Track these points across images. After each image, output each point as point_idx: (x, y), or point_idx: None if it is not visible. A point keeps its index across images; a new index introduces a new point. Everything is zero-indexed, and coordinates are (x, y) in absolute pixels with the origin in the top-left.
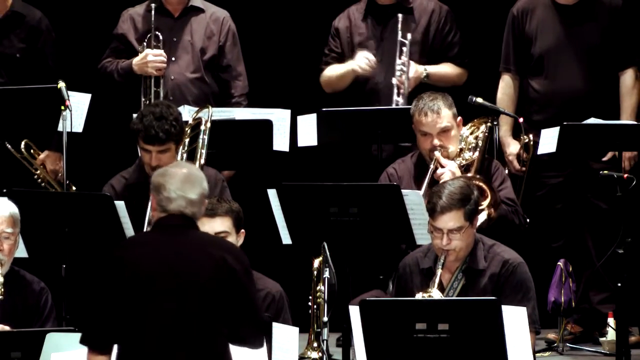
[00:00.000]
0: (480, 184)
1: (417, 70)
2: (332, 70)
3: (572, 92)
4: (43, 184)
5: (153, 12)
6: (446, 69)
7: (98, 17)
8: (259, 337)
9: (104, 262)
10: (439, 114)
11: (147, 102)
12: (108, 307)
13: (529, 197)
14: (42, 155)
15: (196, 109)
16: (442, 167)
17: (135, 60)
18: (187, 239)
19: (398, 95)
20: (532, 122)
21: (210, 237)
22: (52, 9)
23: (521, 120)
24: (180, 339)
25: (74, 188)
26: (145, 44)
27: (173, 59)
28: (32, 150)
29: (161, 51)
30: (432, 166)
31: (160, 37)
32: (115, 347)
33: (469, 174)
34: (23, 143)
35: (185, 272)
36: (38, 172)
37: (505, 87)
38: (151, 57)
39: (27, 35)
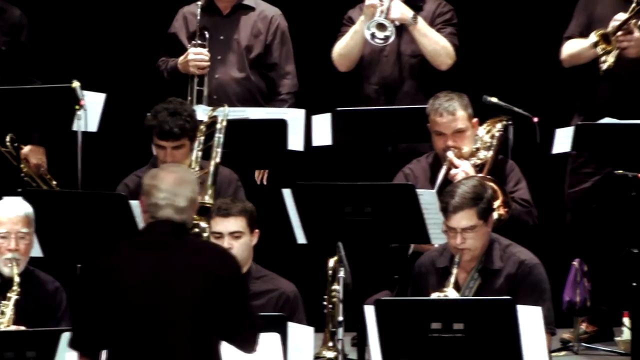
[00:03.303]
0: (491, 184)
1: (406, 9)
2: (342, 39)
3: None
4: (26, 179)
5: (199, 10)
6: (436, 33)
7: (115, 17)
8: (252, 340)
9: (90, 267)
10: (454, 115)
11: (190, 101)
12: (94, 313)
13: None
14: (25, 150)
15: (210, 107)
16: (456, 167)
17: (180, 60)
18: (174, 246)
19: (379, 15)
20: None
21: (199, 243)
22: (67, 7)
23: (536, 120)
24: (167, 347)
25: (54, 183)
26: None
27: (219, 57)
28: (16, 144)
29: (203, 50)
30: (445, 166)
31: (207, 36)
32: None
33: (481, 174)
34: (8, 137)
35: (171, 281)
36: (22, 166)
37: (572, 42)
38: (192, 56)
39: (10, 29)
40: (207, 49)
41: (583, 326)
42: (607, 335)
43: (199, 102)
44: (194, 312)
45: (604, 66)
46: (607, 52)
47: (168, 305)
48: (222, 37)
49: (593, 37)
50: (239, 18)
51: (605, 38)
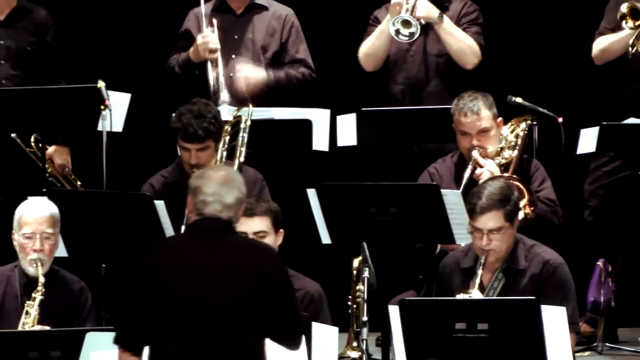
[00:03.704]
0: (517, 183)
1: (431, 7)
2: (368, 39)
3: None
4: (51, 179)
5: (202, 1)
6: (462, 32)
7: (140, 17)
8: (297, 339)
9: (138, 263)
10: (479, 114)
11: (209, 96)
12: (140, 309)
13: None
14: (49, 150)
15: (235, 107)
16: (481, 166)
17: (191, 49)
18: (222, 243)
19: (405, 12)
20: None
21: (246, 241)
22: (92, 8)
23: (560, 120)
24: (213, 343)
25: (79, 183)
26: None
27: (234, 56)
28: (40, 145)
29: (210, 32)
30: (470, 166)
31: (214, 22)
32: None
33: (506, 174)
34: (33, 137)
35: (219, 278)
36: (47, 166)
37: (603, 37)
38: (200, 40)
39: (36, 30)
40: (215, 35)
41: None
42: (612, 337)
43: (216, 98)
44: (241, 309)
45: (632, 49)
46: (637, 37)
47: (215, 302)
48: (236, 37)
49: (624, 8)
50: (253, 17)
51: (635, 13)
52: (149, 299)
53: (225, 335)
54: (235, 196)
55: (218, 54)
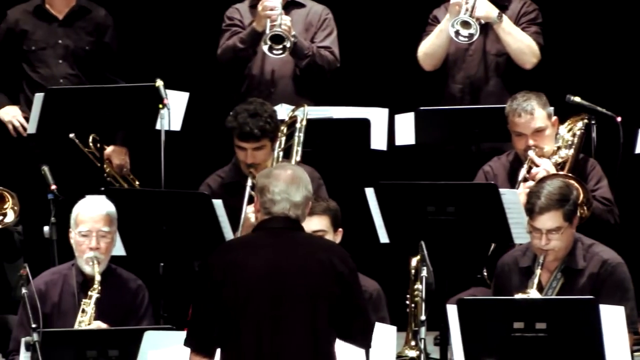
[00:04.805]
0: (572, 182)
1: (491, 7)
2: (427, 38)
3: None
4: (109, 179)
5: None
6: (521, 32)
7: (198, 17)
8: (368, 336)
9: (208, 265)
10: (533, 114)
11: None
12: (213, 310)
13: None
14: (108, 150)
15: (292, 107)
16: (537, 166)
17: (254, 21)
18: (293, 241)
19: (464, 13)
20: None
21: (315, 239)
22: (151, 7)
23: (619, 119)
24: (290, 342)
25: (137, 183)
26: None
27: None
28: (99, 145)
29: None
30: (525, 166)
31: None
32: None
33: (562, 172)
34: (91, 137)
35: (294, 276)
36: (105, 166)
37: None
38: (260, 7)
39: (94, 30)
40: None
41: None
42: None
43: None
44: (313, 307)
45: None
46: None
47: (288, 301)
48: None
49: None
50: (290, 14)
51: None
52: (224, 300)
53: (303, 334)
54: (303, 194)
55: (279, 10)
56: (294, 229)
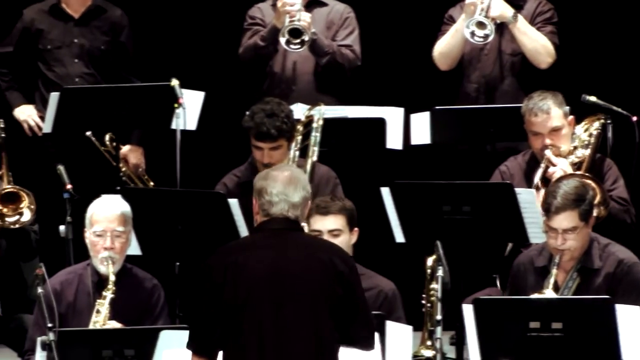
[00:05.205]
0: (589, 182)
1: (506, 7)
2: (443, 38)
3: None
4: (125, 179)
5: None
6: (536, 31)
7: (214, 16)
8: (371, 338)
9: (207, 267)
10: (549, 113)
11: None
12: (215, 312)
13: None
14: (124, 149)
15: (308, 106)
16: (554, 165)
17: (274, 18)
18: (293, 242)
19: (479, 13)
20: None
21: (315, 239)
22: (166, 7)
23: (635, 119)
24: (291, 344)
25: (152, 183)
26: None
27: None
28: (115, 144)
29: None
30: (542, 165)
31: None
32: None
33: (579, 172)
34: (107, 136)
35: (295, 276)
36: (121, 165)
37: None
38: (279, 3)
39: (110, 29)
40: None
41: None
42: None
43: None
44: (315, 307)
45: None
46: None
47: (290, 301)
48: None
49: None
50: (312, 12)
51: None
52: (225, 302)
53: (305, 334)
54: (301, 195)
55: (298, 6)
56: (294, 230)
